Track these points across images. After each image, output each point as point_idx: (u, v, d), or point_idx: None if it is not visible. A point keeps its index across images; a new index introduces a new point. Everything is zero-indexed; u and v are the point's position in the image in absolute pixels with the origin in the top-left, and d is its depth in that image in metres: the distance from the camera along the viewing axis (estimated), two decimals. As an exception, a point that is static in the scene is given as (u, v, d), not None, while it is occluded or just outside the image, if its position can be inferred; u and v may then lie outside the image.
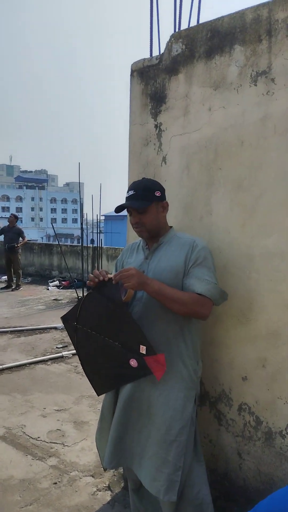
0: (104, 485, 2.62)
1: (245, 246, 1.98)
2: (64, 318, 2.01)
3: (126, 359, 1.72)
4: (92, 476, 2.72)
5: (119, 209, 1.83)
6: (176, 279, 1.77)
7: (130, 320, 1.69)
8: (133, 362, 1.71)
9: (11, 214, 10.40)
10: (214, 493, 2.17)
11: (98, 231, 8.77)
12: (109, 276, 1.74)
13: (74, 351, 5.25)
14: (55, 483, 2.64)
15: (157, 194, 1.83)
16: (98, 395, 1.98)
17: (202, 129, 2.10)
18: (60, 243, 10.51)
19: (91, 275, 1.77)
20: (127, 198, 1.82)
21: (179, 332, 1.80)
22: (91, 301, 1.84)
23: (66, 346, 5.51)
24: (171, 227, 1.95)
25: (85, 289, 8.80)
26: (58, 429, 3.33)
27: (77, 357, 5.06)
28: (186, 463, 1.79)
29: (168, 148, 2.25)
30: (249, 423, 2.03)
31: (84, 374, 4.47)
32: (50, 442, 3.14)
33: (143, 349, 1.66)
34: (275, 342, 1.91)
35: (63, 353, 5.13)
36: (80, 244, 9.80)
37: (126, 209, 1.85)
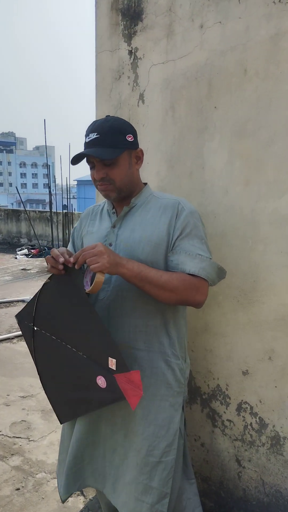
0: (76, 490, 2.25)
1: (249, 209, 1.54)
2: (19, 317, 1.53)
3: (93, 376, 1.26)
4: (63, 478, 2.35)
5: (76, 159, 1.33)
6: (156, 254, 1.32)
7: (94, 320, 1.23)
8: (101, 381, 1.24)
9: None
10: (208, 503, 1.83)
11: (69, 196, 8.15)
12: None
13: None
14: (18, 489, 2.25)
15: (130, 138, 1.33)
16: (61, 423, 1.52)
17: (192, 55, 1.59)
18: (27, 209, 9.83)
19: (50, 256, 1.29)
20: (88, 144, 1.30)
21: (161, 325, 1.37)
22: (50, 294, 1.38)
23: (35, 321, 5.06)
24: (145, 184, 1.47)
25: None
26: (23, 420, 2.93)
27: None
28: (174, 487, 1.42)
29: (147, 82, 1.73)
30: (251, 425, 1.66)
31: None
32: (13, 436, 2.74)
33: (112, 363, 1.20)
34: (286, 329, 1.51)
35: (32, 329, 4.68)
36: (49, 210, 9.18)
37: (86, 160, 1.35)
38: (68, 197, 8.11)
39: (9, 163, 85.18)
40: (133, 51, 1.75)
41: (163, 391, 1.37)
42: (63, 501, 1.62)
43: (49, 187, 7.76)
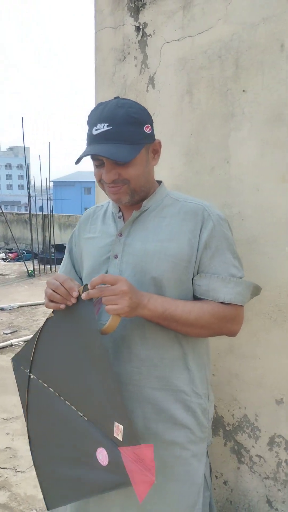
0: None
1: (285, 210, 1.30)
2: (15, 361, 1.24)
3: (93, 447, 0.97)
4: (57, 518, 2.06)
5: (82, 159, 1.05)
6: (175, 272, 1.07)
7: (105, 369, 0.95)
8: (102, 455, 0.94)
9: None
10: None
11: (49, 198, 7.82)
12: (79, 290, 1.00)
13: (26, 337, 4.51)
14: (6, 535, 1.96)
15: (148, 130, 1.06)
16: (49, 509, 1.19)
17: (214, 29, 1.35)
18: (4, 211, 9.42)
19: (52, 292, 1.03)
20: (97, 138, 1.02)
21: (179, 358, 1.12)
22: (52, 333, 1.10)
23: (16, 331, 4.74)
24: (159, 182, 1.21)
25: (35, 262, 7.93)
26: (7, 447, 2.63)
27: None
28: None
29: (158, 63, 1.48)
30: (286, 462, 1.43)
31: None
32: (-2, 467, 2.44)
33: (118, 430, 0.91)
34: None
35: (12, 340, 4.36)
36: (27, 212, 8.81)
37: (91, 156, 1.07)
38: (48, 198, 7.77)
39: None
40: (141, 27, 1.50)
41: (183, 439, 1.11)
42: None
43: (28, 189, 7.42)
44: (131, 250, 1.10)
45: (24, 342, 4.38)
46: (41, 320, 5.11)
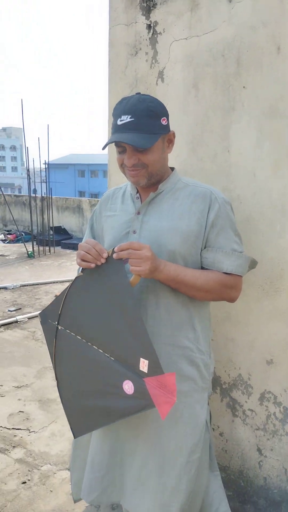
0: (84, 482, 2.19)
1: (278, 193, 1.48)
2: (42, 316, 1.42)
3: (119, 380, 1.16)
4: (69, 470, 2.28)
5: (108, 144, 1.23)
6: (185, 245, 1.25)
7: (133, 314, 1.13)
8: (128, 386, 1.13)
9: None
10: (227, 492, 1.80)
11: (48, 180, 7.92)
12: (108, 252, 1.18)
13: (30, 314, 4.71)
14: (24, 483, 2.17)
15: (164, 122, 1.24)
16: (75, 437, 1.41)
17: (219, 30, 1.50)
18: (3, 193, 9.51)
19: (85, 253, 1.20)
20: (122, 128, 1.20)
21: (187, 320, 1.31)
22: (81, 288, 1.28)
23: (20, 308, 4.92)
24: (172, 169, 1.38)
25: (34, 243, 8.08)
26: (20, 411, 2.83)
27: (34, 320, 4.57)
28: (202, 482, 1.38)
29: (167, 59, 1.63)
30: (274, 415, 1.64)
31: (44, 342, 4.00)
32: (13, 428, 2.64)
33: (144, 365, 1.09)
34: (314, 317, 1.49)
35: (17, 317, 4.54)
36: (25, 194, 8.90)
37: (115, 143, 1.24)
38: (48, 181, 7.88)
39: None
40: (152, 25, 1.64)
41: (188, 387, 1.31)
42: (75, 501, 1.56)
43: (28, 171, 7.51)
44: (148, 227, 1.28)
45: (28, 318, 4.58)
46: (44, 299, 5.29)
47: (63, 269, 7.21)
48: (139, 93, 1.26)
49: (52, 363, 1.42)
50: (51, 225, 8.74)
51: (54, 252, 8.51)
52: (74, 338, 1.30)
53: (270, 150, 1.47)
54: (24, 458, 2.36)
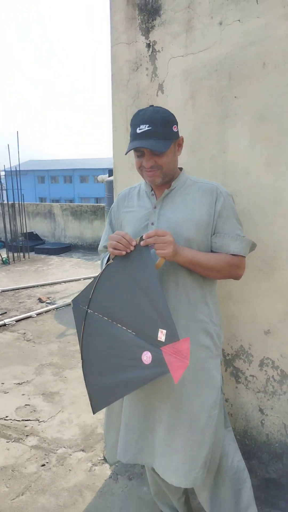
0: (99, 458, 2.38)
1: (270, 188, 1.75)
2: (74, 302, 1.61)
3: (139, 352, 1.32)
4: (83, 451, 2.47)
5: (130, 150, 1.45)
6: (198, 233, 1.49)
7: (157, 294, 1.32)
8: (146, 357, 1.30)
9: None
10: (233, 453, 2.05)
11: (20, 187, 7.97)
12: (136, 240, 1.40)
13: (17, 317, 4.81)
14: (43, 465, 2.34)
15: (175, 129, 1.48)
16: (94, 413, 1.54)
17: (212, 49, 1.75)
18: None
19: (116, 242, 1.41)
20: (141, 135, 1.42)
21: (201, 297, 1.55)
22: (110, 274, 1.48)
23: (6, 312, 5.01)
24: (180, 169, 1.63)
25: (9, 253, 8.09)
26: (26, 405, 2.98)
27: (23, 323, 4.67)
28: (220, 435, 1.62)
29: (166, 74, 1.87)
30: (273, 377, 1.90)
31: (37, 342, 4.13)
32: (22, 419, 2.80)
33: (161, 334, 1.26)
34: (304, 290, 1.76)
35: (5, 320, 4.64)
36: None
37: (134, 149, 1.47)
38: (19, 187, 7.94)
39: None
40: (151, 44, 1.87)
41: (205, 355, 1.55)
42: (111, 465, 1.76)
43: (-1, 178, 7.53)
44: (165, 219, 1.51)
45: (16, 321, 4.68)
46: (27, 302, 5.39)
47: (40, 273, 7.29)
48: (152, 105, 1.49)
49: (80, 344, 1.61)
50: (24, 231, 8.77)
51: (29, 258, 8.56)
52: (102, 320, 1.49)
53: (261, 150, 1.74)
54: (38, 444, 2.52)
